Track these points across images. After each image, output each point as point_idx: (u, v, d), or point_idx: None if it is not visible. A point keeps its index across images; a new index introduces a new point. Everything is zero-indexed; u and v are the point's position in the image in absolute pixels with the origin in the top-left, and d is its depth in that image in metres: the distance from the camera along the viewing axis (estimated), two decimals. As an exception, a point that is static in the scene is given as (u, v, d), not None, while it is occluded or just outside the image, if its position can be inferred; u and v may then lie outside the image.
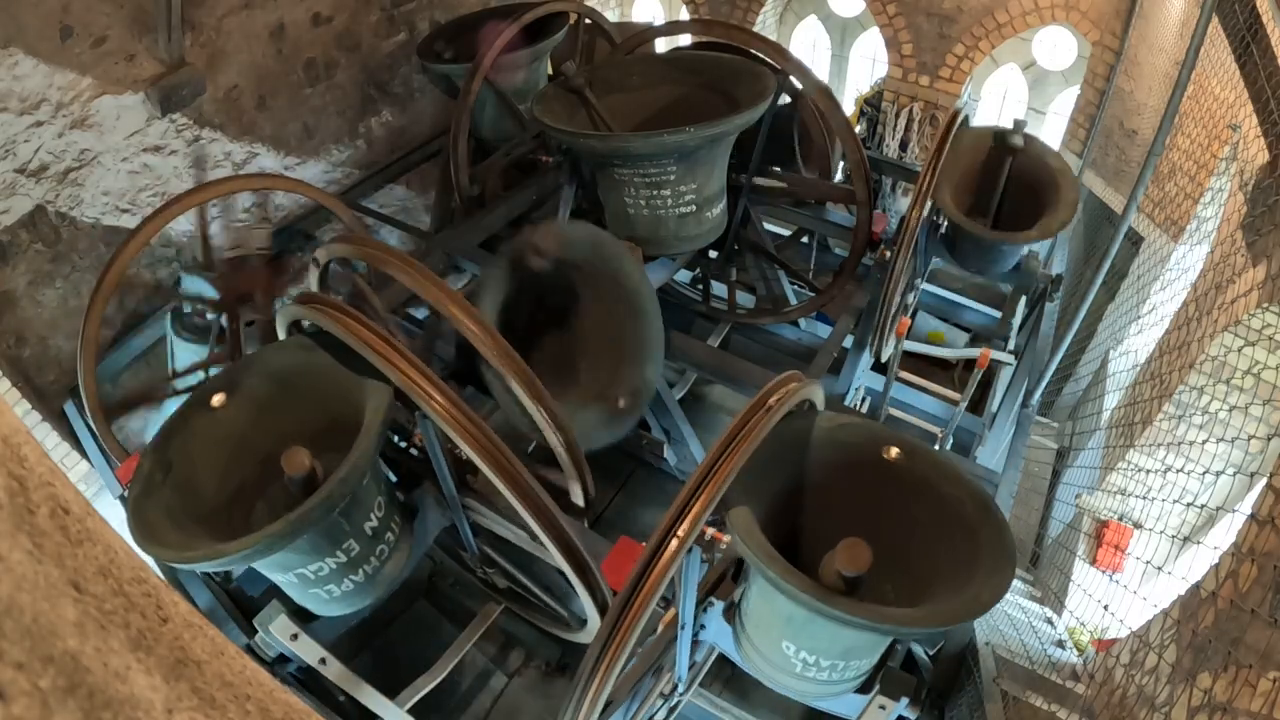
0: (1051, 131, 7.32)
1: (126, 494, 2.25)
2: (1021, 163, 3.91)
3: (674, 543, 1.73)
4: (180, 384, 4.26)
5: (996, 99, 7.71)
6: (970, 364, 6.71)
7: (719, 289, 5.45)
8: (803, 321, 5.39)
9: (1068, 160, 6.39)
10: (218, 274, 4.31)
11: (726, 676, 3.64)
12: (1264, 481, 2.31)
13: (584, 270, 3.37)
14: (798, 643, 1.95)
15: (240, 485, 2.43)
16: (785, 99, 4.44)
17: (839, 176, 5.60)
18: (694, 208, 3.88)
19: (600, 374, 3.33)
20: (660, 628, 2.30)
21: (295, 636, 2.62)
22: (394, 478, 3.00)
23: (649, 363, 3.28)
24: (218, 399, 2.40)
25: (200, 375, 4.24)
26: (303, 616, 2.72)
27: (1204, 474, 3.62)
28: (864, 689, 2.17)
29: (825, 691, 2.09)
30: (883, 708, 2.07)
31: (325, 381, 2.46)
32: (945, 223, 4.36)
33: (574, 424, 2.75)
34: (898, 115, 7.11)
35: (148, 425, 4.56)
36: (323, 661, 2.67)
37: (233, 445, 2.42)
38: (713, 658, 2.72)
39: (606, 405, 3.16)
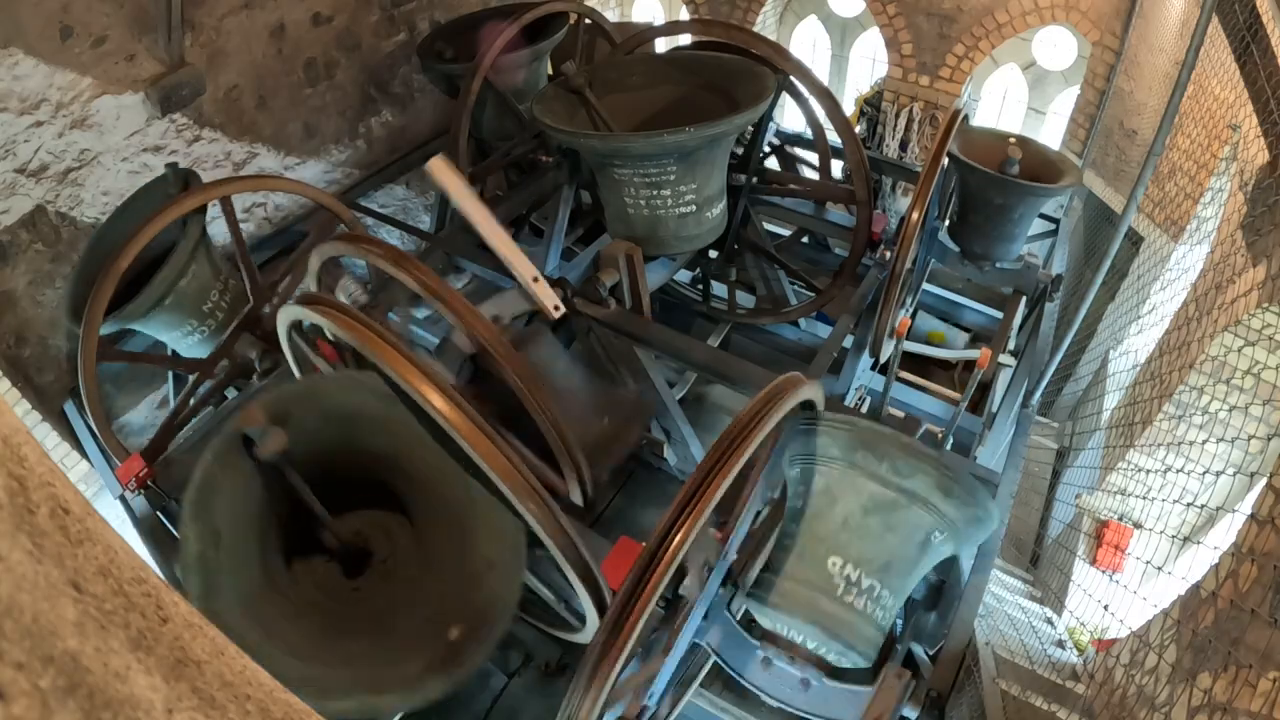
0: (1051, 131, 7.32)
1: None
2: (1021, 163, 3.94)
3: (674, 543, 1.73)
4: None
5: (996, 99, 7.71)
6: (970, 364, 6.72)
7: (719, 289, 5.44)
8: (803, 321, 5.38)
9: (1067, 157, 6.41)
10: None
11: (727, 676, 3.64)
12: (1264, 481, 2.31)
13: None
14: (845, 554, 2.15)
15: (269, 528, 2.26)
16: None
17: (839, 176, 5.60)
18: (694, 208, 3.88)
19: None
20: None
21: None
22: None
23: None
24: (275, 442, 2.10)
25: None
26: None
27: (1204, 474, 3.62)
28: (870, 680, 2.19)
29: (855, 624, 2.18)
30: (899, 677, 2.11)
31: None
32: (953, 202, 4.36)
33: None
34: (898, 115, 7.11)
35: (147, 425, 4.57)
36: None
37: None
38: (707, 666, 2.72)
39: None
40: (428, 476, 2.31)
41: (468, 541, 2.31)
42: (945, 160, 3.76)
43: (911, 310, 4.80)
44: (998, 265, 4.35)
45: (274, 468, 2.11)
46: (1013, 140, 3.97)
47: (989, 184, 3.91)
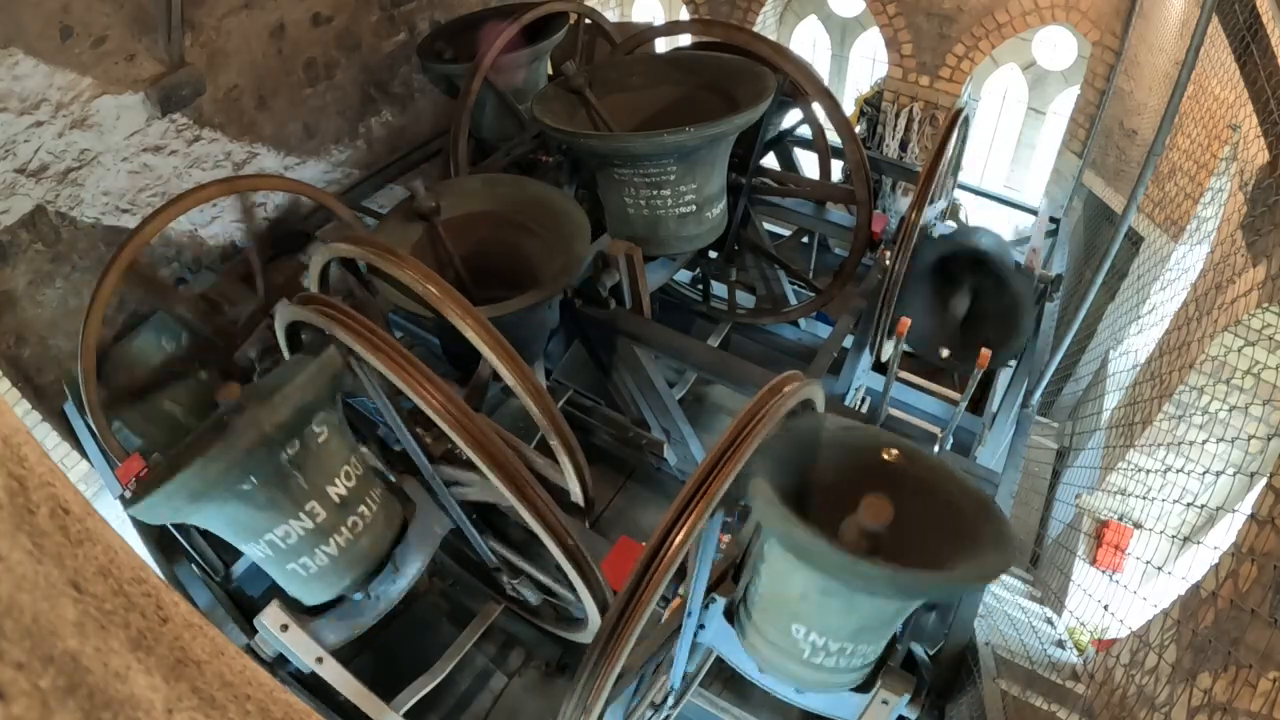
0: (1051, 131, 7.32)
1: (127, 493, 2.24)
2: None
3: (674, 543, 1.73)
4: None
5: (996, 99, 7.71)
6: (970, 364, 6.70)
7: (719, 289, 5.44)
8: (803, 321, 5.39)
9: (1067, 160, 6.42)
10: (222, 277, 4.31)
11: (726, 676, 3.64)
12: (1264, 481, 2.31)
13: (499, 212, 3.58)
14: (809, 624, 1.96)
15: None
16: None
17: (839, 176, 5.60)
18: (694, 208, 3.88)
19: (553, 259, 3.50)
20: (665, 616, 2.29)
21: (285, 627, 2.61)
22: (392, 478, 2.99)
23: (577, 239, 3.48)
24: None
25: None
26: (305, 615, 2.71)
27: (1204, 474, 3.62)
28: (864, 689, 2.17)
29: (829, 681, 2.09)
30: (885, 703, 2.07)
31: None
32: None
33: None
34: (898, 115, 7.11)
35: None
36: (319, 661, 2.67)
37: None
38: (708, 663, 2.72)
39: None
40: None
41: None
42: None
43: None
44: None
45: None
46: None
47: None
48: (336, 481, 2.46)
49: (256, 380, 3.88)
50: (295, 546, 2.42)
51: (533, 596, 3.39)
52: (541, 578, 3.21)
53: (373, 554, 2.65)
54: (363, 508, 2.56)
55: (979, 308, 4.00)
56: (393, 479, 2.91)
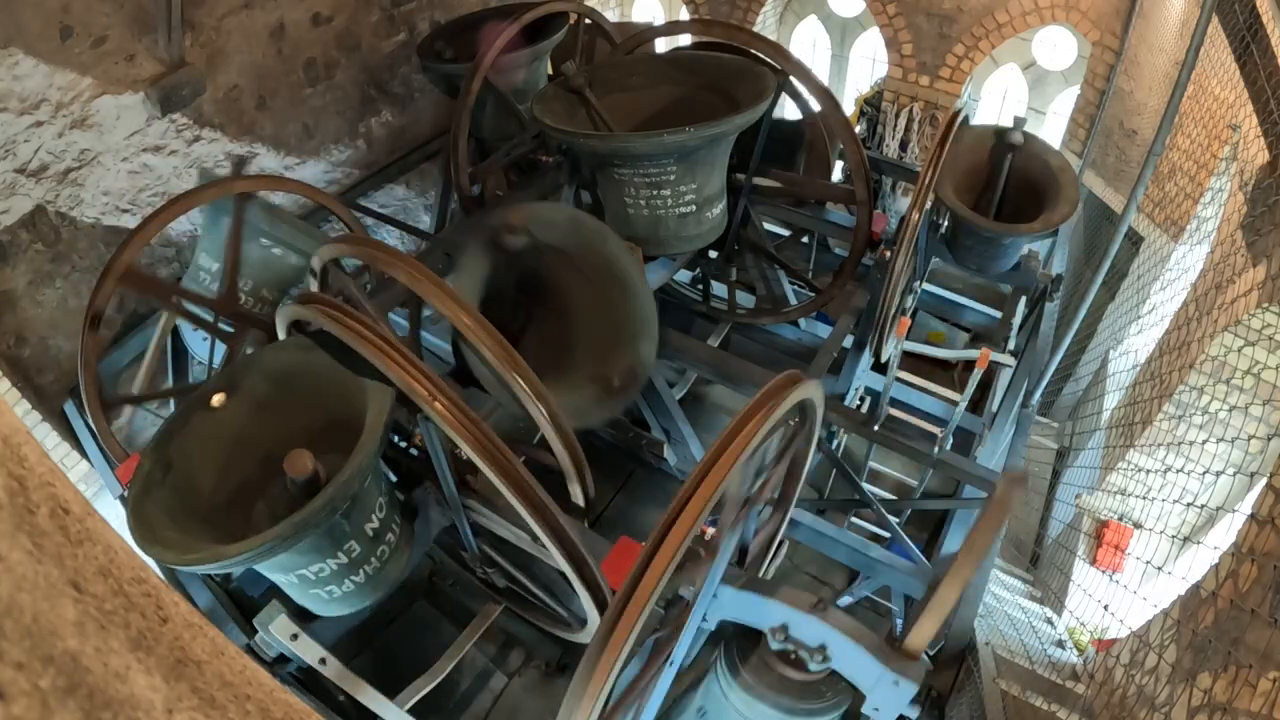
0: (1051, 131, 7.32)
1: (126, 494, 2.25)
2: (1021, 161, 3.92)
3: (674, 543, 1.72)
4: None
5: (996, 99, 7.71)
6: (970, 364, 6.71)
7: (719, 289, 5.44)
8: (803, 321, 5.38)
9: (1068, 163, 6.41)
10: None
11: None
12: (1264, 481, 2.31)
13: (567, 251, 3.31)
14: None
15: (240, 484, 2.44)
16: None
17: (839, 176, 5.60)
18: (694, 208, 3.88)
19: (593, 354, 3.31)
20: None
21: (295, 636, 2.63)
22: (394, 478, 3.00)
23: (643, 339, 3.23)
24: (217, 398, 2.42)
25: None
26: (303, 616, 2.72)
27: (1204, 474, 3.63)
28: None
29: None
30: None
31: (325, 381, 2.47)
32: (946, 222, 4.35)
33: (570, 405, 2.74)
34: (898, 115, 7.11)
35: (148, 425, 4.57)
36: (322, 661, 2.68)
37: (232, 444, 2.43)
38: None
39: (601, 386, 3.14)
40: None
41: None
42: (931, 200, 3.64)
43: (911, 310, 4.80)
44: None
45: None
46: (1014, 135, 3.88)
47: (968, 231, 3.91)
48: (373, 517, 2.49)
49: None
50: (326, 578, 2.43)
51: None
52: (531, 586, 3.24)
53: (395, 577, 2.67)
54: (390, 535, 2.59)
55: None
56: (402, 496, 2.92)
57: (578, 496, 2.90)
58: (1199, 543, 3.56)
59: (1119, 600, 3.21)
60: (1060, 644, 3.39)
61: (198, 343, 4.16)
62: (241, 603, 3.38)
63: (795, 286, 5.42)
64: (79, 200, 4.01)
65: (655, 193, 3.78)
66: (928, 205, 3.68)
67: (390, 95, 5.70)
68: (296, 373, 2.51)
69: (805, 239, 5.71)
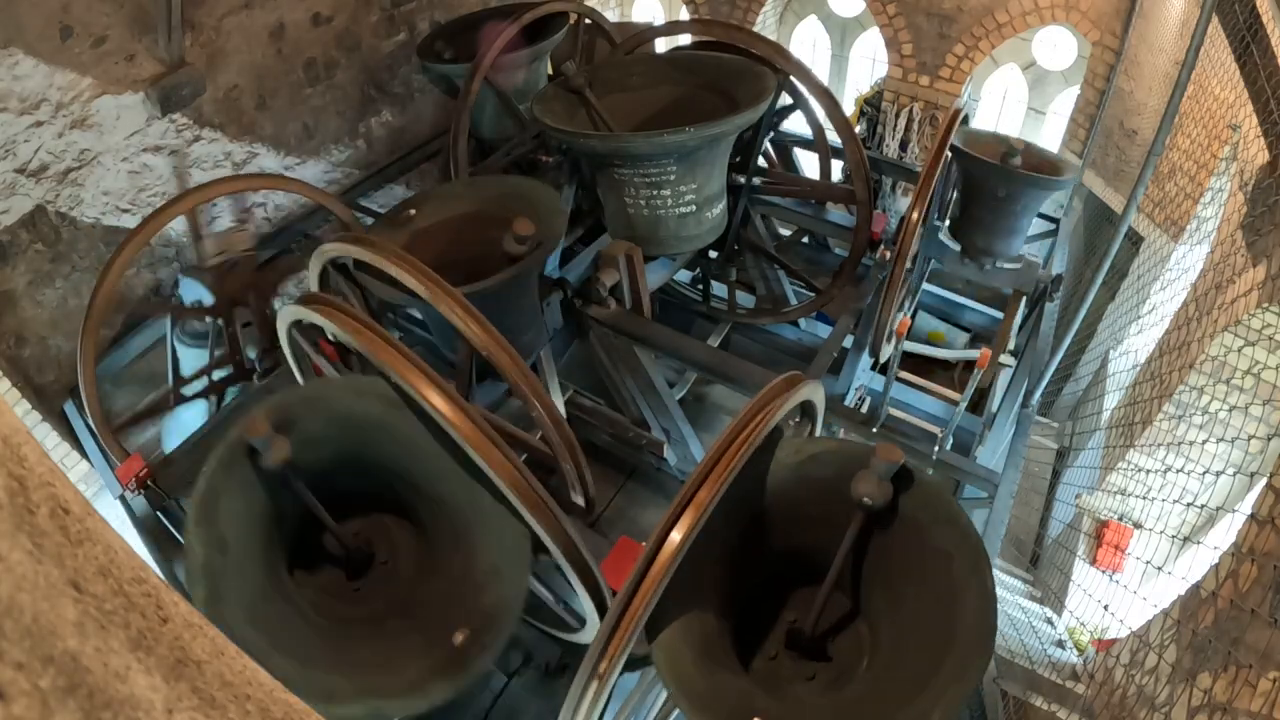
0: (1051, 131, 7.32)
1: (190, 596, 1.94)
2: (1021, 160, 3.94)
3: (673, 542, 1.72)
4: (187, 390, 4.26)
5: (996, 99, 7.71)
6: (970, 364, 6.71)
7: (719, 289, 5.45)
8: (803, 321, 5.39)
9: (1068, 160, 6.41)
10: (211, 278, 4.30)
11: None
12: (1264, 481, 2.31)
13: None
14: None
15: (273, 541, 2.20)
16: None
17: (839, 176, 5.60)
18: (694, 208, 3.88)
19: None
20: None
21: None
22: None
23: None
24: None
25: (204, 381, 4.24)
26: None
27: (1204, 474, 3.63)
28: None
29: None
30: None
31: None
32: (955, 194, 4.35)
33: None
34: (898, 115, 7.11)
35: (147, 425, 4.56)
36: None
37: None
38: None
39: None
40: (433, 482, 2.28)
41: (473, 547, 2.29)
42: (947, 155, 3.73)
43: (911, 310, 4.80)
44: (999, 263, 4.35)
45: (278, 475, 2.10)
46: (1015, 139, 3.99)
47: (992, 175, 3.91)
48: None
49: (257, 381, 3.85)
50: None
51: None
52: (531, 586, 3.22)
53: None
54: None
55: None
56: None
57: (578, 496, 2.90)
58: (1199, 543, 3.56)
59: (1119, 600, 3.21)
60: (1060, 644, 3.39)
61: (188, 359, 4.19)
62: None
63: (795, 286, 5.43)
64: (79, 200, 4.02)
65: (655, 193, 3.79)
66: (926, 205, 3.68)
67: (390, 95, 5.70)
68: (366, 425, 2.22)
69: (805, 239, 5.72)
